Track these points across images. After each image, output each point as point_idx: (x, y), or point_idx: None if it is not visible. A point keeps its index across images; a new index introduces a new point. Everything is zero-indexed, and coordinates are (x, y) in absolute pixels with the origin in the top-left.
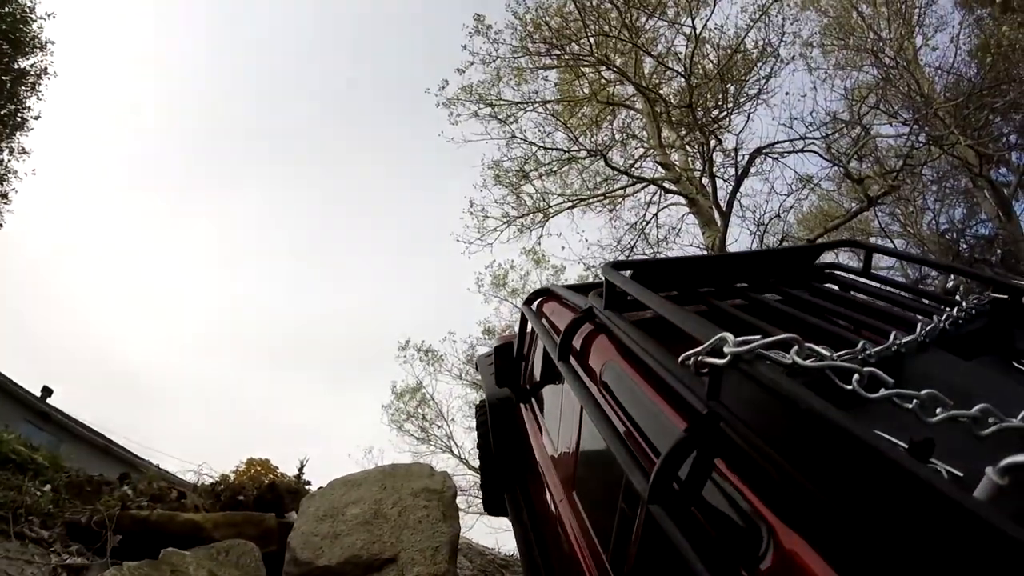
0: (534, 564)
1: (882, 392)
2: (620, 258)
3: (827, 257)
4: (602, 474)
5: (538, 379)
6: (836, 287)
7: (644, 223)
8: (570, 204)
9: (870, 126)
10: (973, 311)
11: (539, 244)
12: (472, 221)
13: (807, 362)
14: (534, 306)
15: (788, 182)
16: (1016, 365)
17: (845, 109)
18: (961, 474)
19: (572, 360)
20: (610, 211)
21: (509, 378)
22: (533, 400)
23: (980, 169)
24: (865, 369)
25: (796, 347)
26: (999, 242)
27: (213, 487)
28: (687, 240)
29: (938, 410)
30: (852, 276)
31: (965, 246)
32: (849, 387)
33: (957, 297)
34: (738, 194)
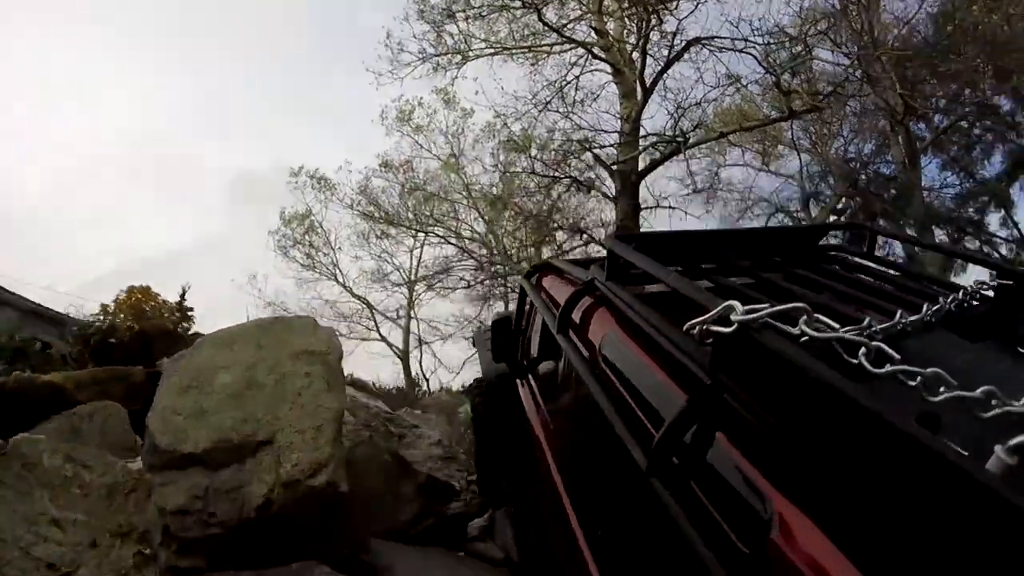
0: (528, 541)
1: (888, 368)
2: (529, 118)
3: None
4: (601, 448)
5: (536, 354)
6: (840, 268)
7: (564, 83)
8: (492, 51)
9: (813, 47)
10: (978, 296)
11: (452, 85)
12: (386, 53)
13: (815, 333)
14: (533, 280)
15: (718, 76)
16: (1021, 351)
17: (794, 26)
18: (965, 453)
19: (571, 333)
20: (532, 65)
21: (506, 353)
22: (531, 375)
23: (902, 117)
24: (873, 344)
25: (804, 317)
26: (896, 184)
27: (82, 332)
28: (603, 107)
29: (941, 389)
30: (856, 258)
31: (864, 178)
32: (855, 361)
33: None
34: (665, 75)
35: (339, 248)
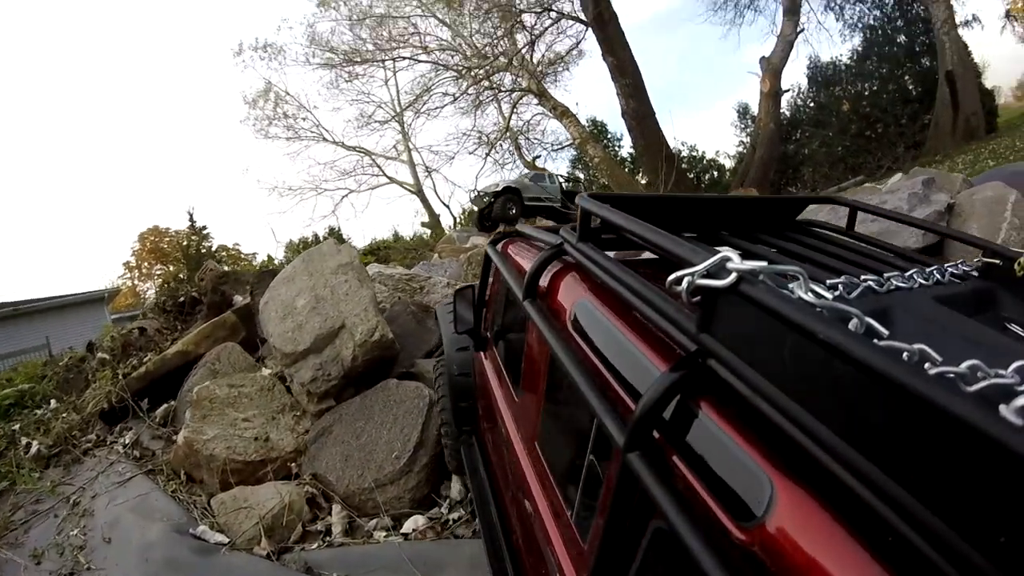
0: (490, 521)
1: (876, 343)
2: None
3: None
4: (570, 424)
5: (501, 325)
6: (820, 242)
7: None
8: None
9: None
10: (964, 272)
11: None
12: None
13: (810, 298)
14: (499, 247)
15: None
16: (1008, 326)
17: None
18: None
19: (539, 300)
20: None
21: (469, 326)
22: (495, 348)
23: None
24: (865, 318)
25: (801, 280)
26: None
27: (158, 304)
28: None
29: (927, 365)
30: (836, 234)
31: None
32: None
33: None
34: None
35: (315, 108)
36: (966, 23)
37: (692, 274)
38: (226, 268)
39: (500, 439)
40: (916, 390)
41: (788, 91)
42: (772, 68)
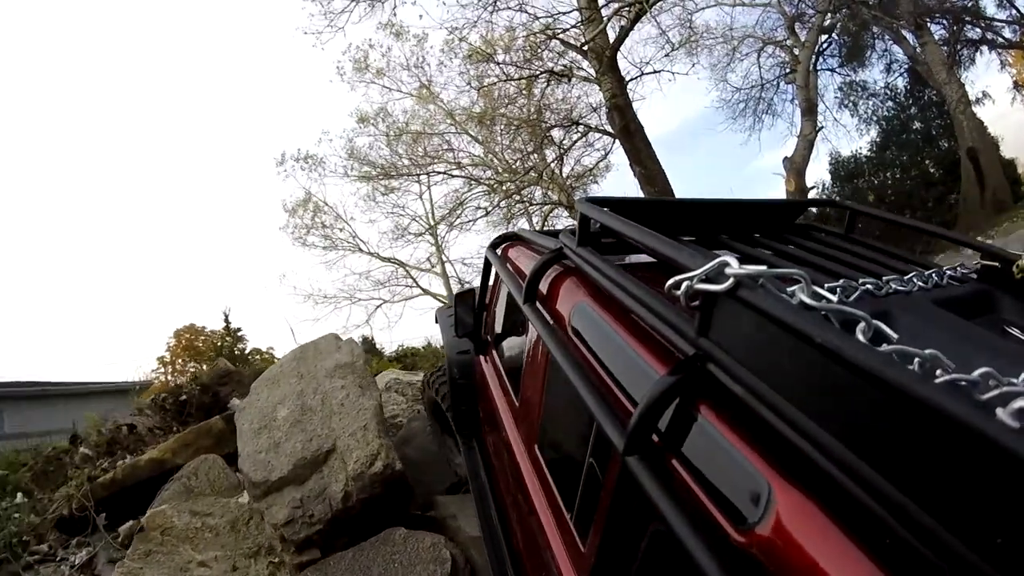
0: (491, 524)
1: (885, 347)
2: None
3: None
4: (569, 427)
5: (501, 328)
6: (819, 246)
7: None
8: None
9: None
10: (963, 275)
11: (395, 16)
12: (316, 8)
13: (812, 302)
14: (499, 251)
15: None
16: (1007, 330)
17: None
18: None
19: (539, 304)
20: None
21: (469, 329)
22: (495, 351)
23: None
24: (873, 321)
25: (802, 284)
26: None
27: (155, 401)
28: None
29: (938, 372)
30: (834, 238)
31: None
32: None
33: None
34: None
35: (352, 219)
36: (977, 100)
37: (691, 279)
38: (233, 367)
39: (500, 442)
40: (914, 392)
41: (813, 188)
42: (795, 167)
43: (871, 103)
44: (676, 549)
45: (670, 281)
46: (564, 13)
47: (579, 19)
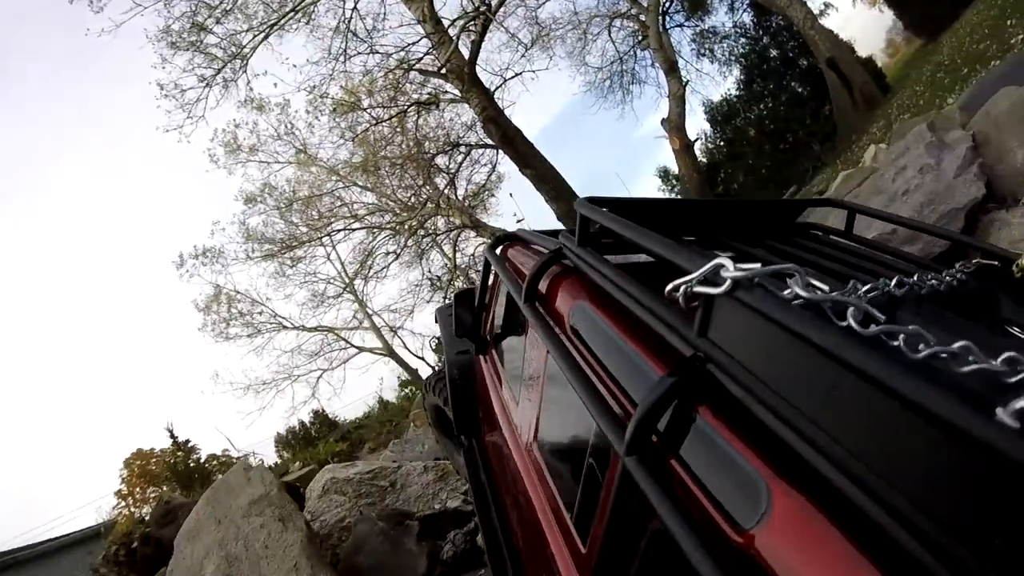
0: (491, 526)
1: (873, 328)
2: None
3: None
4: (569, 427)
5: (500, 328)
6: (819, 245)
7: (347, 20)
8: (263, 35)
9: None
10: (962, 274)
11: (251, 91)
12: (170, 104)
13: (806, 294)
14: (498, 251)
15: None
16: (1007, 329)
17: None
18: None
19: (538, 304)
20: (307, 23)
21: (469, 329)
22: (494, 352)
23: None
24: (862, 304)
25: (796, 277)
26: None
27: (106, 557)
28: (397, 21)
29: (920, 346)
30: (835, 236)
31: None
32: (844, 323)
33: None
34: None
35: (267, 299)
36: (821, 13)
37: (689, 282)
38: (181, 498)
39: (500, 441)
40: (912, 394)
41: (697, 140)
42: (674, 126)
43: (726, 45)
44: (675, 551)
45: (669, 286)
46: (414, 43)
47: (429, 45)
